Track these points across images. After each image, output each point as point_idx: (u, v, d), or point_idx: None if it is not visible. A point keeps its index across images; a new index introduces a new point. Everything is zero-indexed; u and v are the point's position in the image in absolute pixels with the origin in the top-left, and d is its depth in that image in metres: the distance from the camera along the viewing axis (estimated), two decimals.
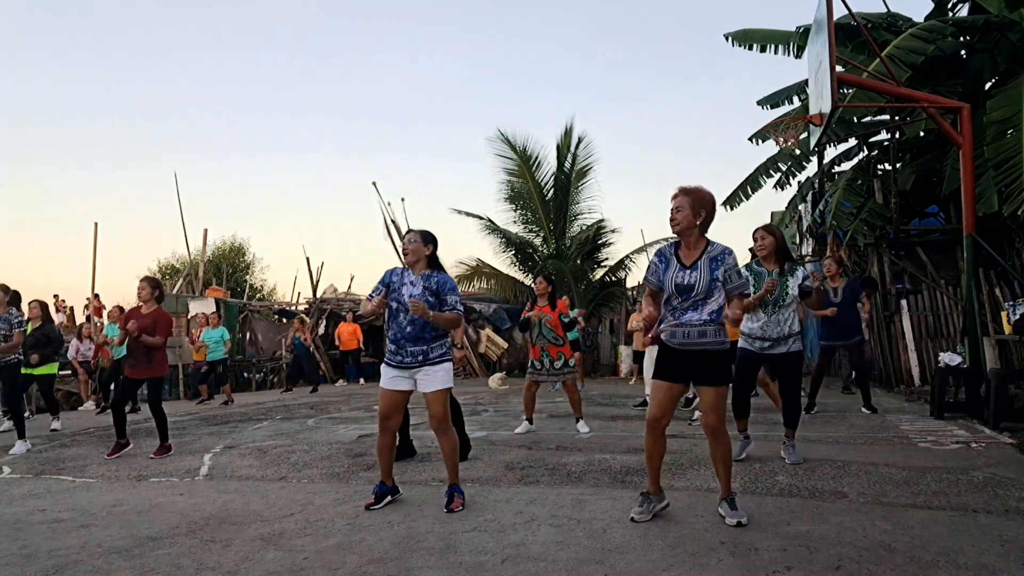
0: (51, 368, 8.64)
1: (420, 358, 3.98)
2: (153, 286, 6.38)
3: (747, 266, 4.92)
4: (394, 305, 4.06)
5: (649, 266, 3.71)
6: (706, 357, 3.49)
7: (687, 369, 3.53)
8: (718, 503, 3.60)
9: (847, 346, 7.79)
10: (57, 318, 19.80)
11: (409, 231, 4.29)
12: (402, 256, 4.15)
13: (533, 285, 7.14)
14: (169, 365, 13.87)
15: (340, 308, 18.29)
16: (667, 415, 3.55)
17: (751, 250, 5.10)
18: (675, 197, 3.53)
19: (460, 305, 4.09)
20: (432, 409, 3.99)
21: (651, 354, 6.73)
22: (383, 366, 4.09)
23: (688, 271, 3.49)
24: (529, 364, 6.81)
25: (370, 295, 4.18)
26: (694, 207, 3.48)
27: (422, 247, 4.11)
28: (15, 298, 7.11)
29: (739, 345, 5.02)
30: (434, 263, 4.17)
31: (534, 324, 6.68)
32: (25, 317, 7.24)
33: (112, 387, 10.77)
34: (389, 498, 4.08)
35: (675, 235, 3.59)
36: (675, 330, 3.52)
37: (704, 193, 3.53)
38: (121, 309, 10.72)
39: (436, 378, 3.98)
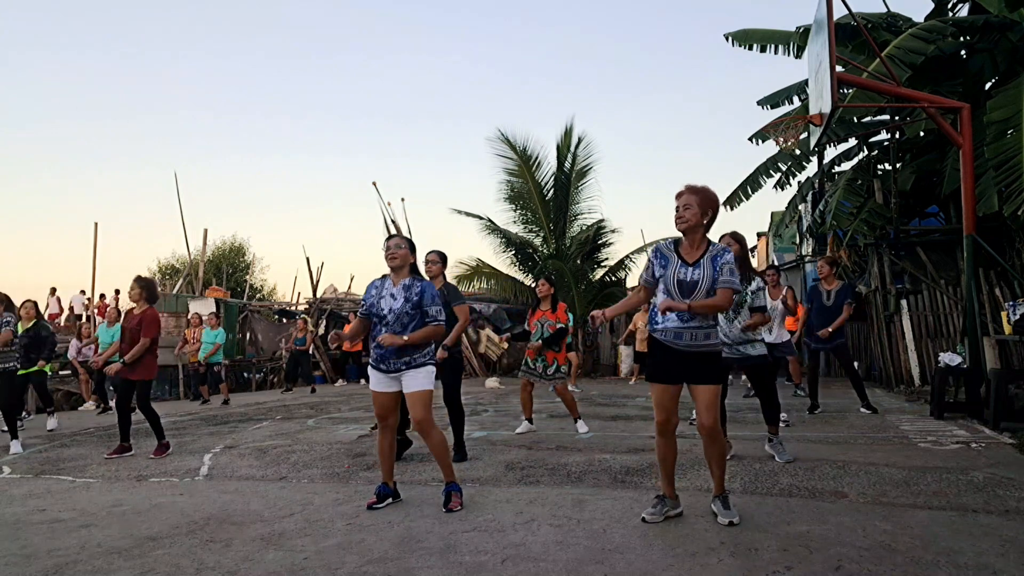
0: (45, 366, 8.64)
1: (403, 367, 3.98)
2: (143, 286, 6.40)
3: None
4: (374, 319, 4.06)
5: (647, 264, 3.67)
6: (704, 358, 3.48)
7: (683, 370, 3.51)
8: (711, 500, 3.60)
9: (829, 349, 7.76)
10: (63, 315, 19.90)
11: (393, 236, 4.28)
12: (389, 261, 4.12)
13: (536, 286, 7.08)
14: (168, 365, 13.95)
15: (340, 308, 18.29)
16: (674, 416, 3.55)
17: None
18: (682, 195, 3.50)
19: (442, 315, 4.05)
20: (413, 412, 3.96)
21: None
22: (370, 369, 4.10)
23: (691, 268, 3.46)
24: (523, 362, 6.81)
25: (361, 312, 4.17)
26: (702, 206, 3.47)
27: (409, 255, 4.12)
28: (7, 303, 7.11)
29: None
30: (416, 271, 4.19)
31: (536, 329, 6.68)
32: (16, 319, 7.24)
33: (111, 388, 10.79)
34: (390, 500, 4.08)
35: (680, 232, 3.55)
36: (683, 332, 3.46)
37: (711, 193, 3.53)
38: (118, 312, 10.75)
39: (418, 379, 3.97)
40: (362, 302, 4.19)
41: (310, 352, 15.00)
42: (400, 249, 4.09)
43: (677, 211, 3.50)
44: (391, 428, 4.08)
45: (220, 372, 12.43)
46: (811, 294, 7.87)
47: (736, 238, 4.98)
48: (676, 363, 3.50)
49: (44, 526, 3.89)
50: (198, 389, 12.63)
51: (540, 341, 6.61)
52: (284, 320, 19.84)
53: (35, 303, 8.62)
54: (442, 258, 5.73)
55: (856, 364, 12.56)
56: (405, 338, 3.88)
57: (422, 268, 5.01)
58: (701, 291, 3.43)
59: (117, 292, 18.03)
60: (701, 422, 3.51)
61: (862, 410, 7.52)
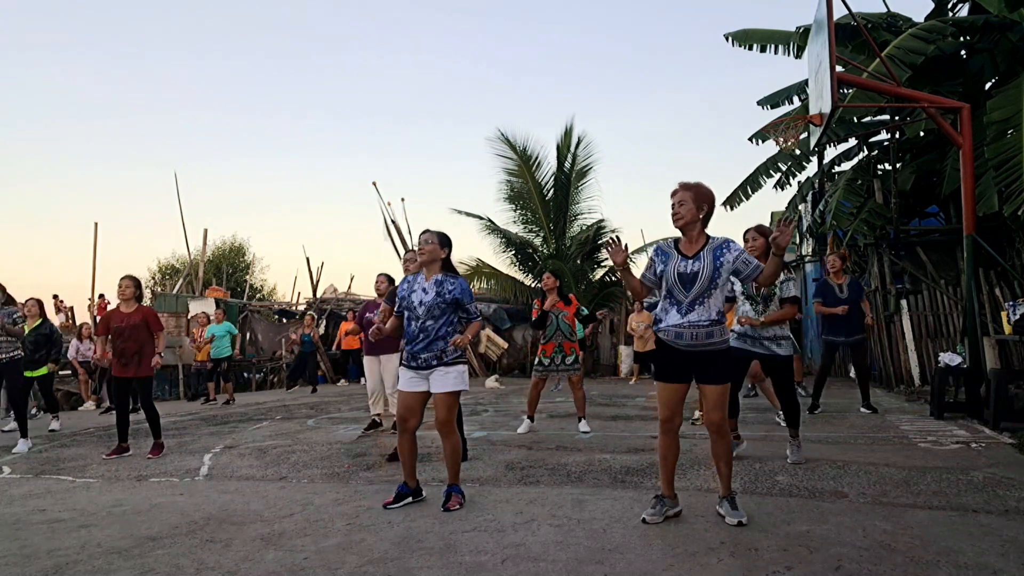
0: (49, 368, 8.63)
1: (434, 362, 3.95)
2: (136, 285, 6.39)
3: None
4: (406, 313, 4.05)
5: (648, 263, 3.67)
6: (711, 357, 3.47)
7: (689, 368, 3.51)
8: (718, 502, 3.60)
9: (850, 343, 7.76)
10: (57, 319, 19.80)
11: (426, 231, 4.16)
12: (404, 259, 4.14)
13: (540, 283, 7.06)
14: (168, 365, 13.94)
15: (340, 308, 18.29)
16: (678, 415, 3.55)
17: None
18: (676, 193, 3.53)
19: (477, 313, 4.12)
20: (438, 412, 3.94)
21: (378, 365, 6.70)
22: (401, 368, 4.08)
23: (691, 261, 3.47)
24: (536, 361, 6.71)
25: (396, 311, 4.17)
26: (697, 201, 3.48)
27: (439, 249, 4.06)
28: (6, 297, 7.10)
29: (731, 343, 5.04)
30: (447, 266, 4.12)
31: (551, 321, 6.60)
32: (21, 315, 7.23)
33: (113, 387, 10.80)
34: (410, 499, 4.05)
35: (678, 230, 3.57)
36: (683, 331, 3.46)
37: (705, 188, 3.54)
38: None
39: (448, 379, 3.93)
40: (398, 298, 4.14)
41: (314, 351, 15.03)
42: (428, 244, 4.04)
43: (673, 208, 3.53)
44: (411, 431, 4.00)
45: (227, 368, 12.40)
46: (822, 289, 7.83)
47: (761, 231, 4.97)
48: (681, 362, 3.51)
49: (44, 526, 3.89)
50: (202, 388, 12.62)
51: (558, 327, 6.57)
52: (284, 320, 19.85)
53: (39, 301, 8.57)
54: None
55: None
56: (468, 336, 3.94)
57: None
58: (703, 283, 3.43)
59: (102, 296, 17.87)
60: (710, 419, 3.51)
61: (862, 409, 7.51)
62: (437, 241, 4.07)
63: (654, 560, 2.97)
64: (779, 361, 4.91)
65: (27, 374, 7.99)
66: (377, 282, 6.47)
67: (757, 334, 4.87)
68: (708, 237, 3.55)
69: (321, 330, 17.58)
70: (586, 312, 6.75)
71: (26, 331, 7.94)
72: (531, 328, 6.87)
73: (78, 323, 15.41)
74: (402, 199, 27.08)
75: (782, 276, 4.90)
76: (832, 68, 7.14)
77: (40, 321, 8.35)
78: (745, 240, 5.00)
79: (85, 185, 52.13)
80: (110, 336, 6.30)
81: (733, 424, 5.13)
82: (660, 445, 3.60)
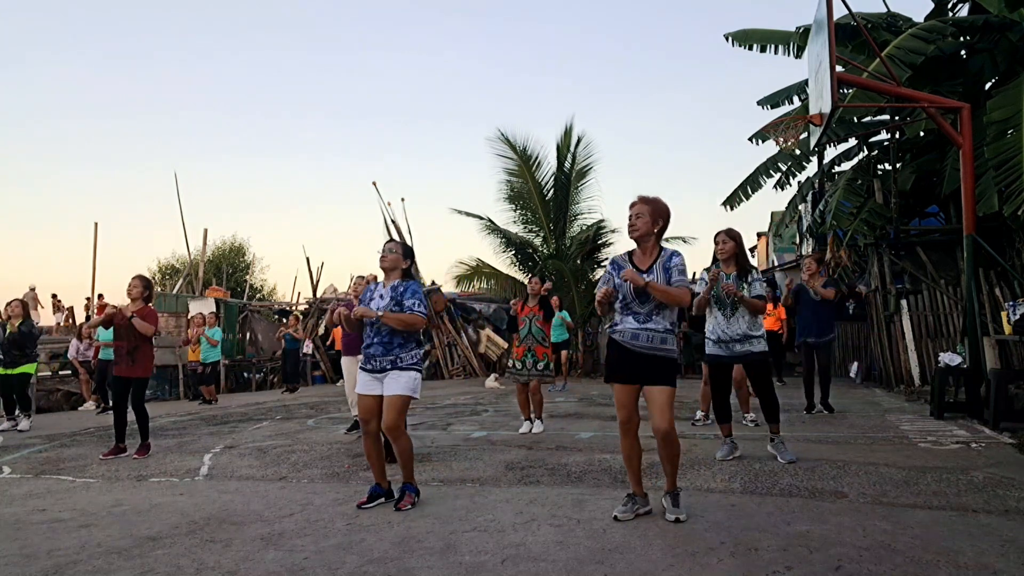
0: (29, 368, 8.61)
1: (388, 366, 4.02)
2: (145, 285, 6.37)
3: (707, 269, 5.28)
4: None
5: (604, 276, 3.80)
6: (658, 362, 3.58)
7: (637, 371, 3.61)
8: (662, 496, 3.66)
9: (817, 344, 7.77)
10: (56, 317, 19.86)
11: (391, 240, 4.35)
12: (380, 263, 4.24)
13: (528, 284, 7.18)
14: (168, 365, 13.93)
15: None
16: (635, 415, 3.66)
17: (714, 254, 5.24)
18: (634, 205, 3.65)
19: (420, 308, 4.06)
20: (385, 415, 3.95)
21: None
22: (359, 371, 4.15)
23: (644, 274, 3.58)
24: (511, 366, 6.84)
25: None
26: (653, 216, 3.61)
27: (400, 259, 4.20)
28: None
29: (707, 351, 5.14)
30: (407, 276, 4.25)
31: (524, 324, 6.71)
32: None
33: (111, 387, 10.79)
34: (382, 500, 4.09)
35: (633, 241, 3.69)
36: (639, 332, 3.59)
37: (662, 204, 3.67)
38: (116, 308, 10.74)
39: (399, 382, 3.98)
40: (359, 303, 4.27)
41: (301, 352, 15.09)
42: (391, 253, 4.19)
43: (630, 220, 3.65)
44: (373, 433, 4.07)
45: (209, 372, 12.38)
46: (798, 291, 7.94)
47: (731, 235, 5.04)
48: (630, 364, 3.62)
49: (44, 526, 3.89)
50: (198, 389, 12.62)
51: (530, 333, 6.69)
52: (284, 320, 19.86)
53: (23, 302, 8.60)
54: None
55: (856, 364, 12.62)
56: (380, 313, 3.98)
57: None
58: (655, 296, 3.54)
59: (101, 296, 17.92)
60: (656, 425, 3.56)
61: (818, 405, 7.55)
62: (400, 251, 4.23)
63: (654, 560, 2.97)
64: (754, 359, 4.96)
65: (5, 372, 8.09)
66: (355, 284, 6.71)
67: (730, 337, 4.93)
68: (661, 250, 3.67)
69: (321, 330, 17.59)
70: (560, 313, 6.98)
71: (8, 330, 8.06)
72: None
73: (78, 323, 15.41)
74: (402, 199, 27.17)
75: (750, 278, 4.95)
76: (832, 68, 7.14)
77: (21, 320, 8.34)
78: (716, 242, 5.10)
79: (85, 185, 52.23)
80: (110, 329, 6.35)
81: (727, 429, 5.14)
82: (622, 447, 3.70)
